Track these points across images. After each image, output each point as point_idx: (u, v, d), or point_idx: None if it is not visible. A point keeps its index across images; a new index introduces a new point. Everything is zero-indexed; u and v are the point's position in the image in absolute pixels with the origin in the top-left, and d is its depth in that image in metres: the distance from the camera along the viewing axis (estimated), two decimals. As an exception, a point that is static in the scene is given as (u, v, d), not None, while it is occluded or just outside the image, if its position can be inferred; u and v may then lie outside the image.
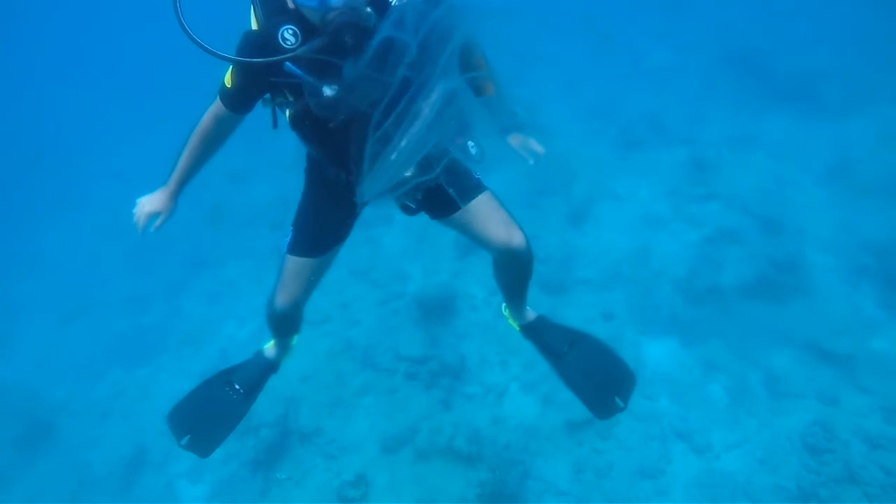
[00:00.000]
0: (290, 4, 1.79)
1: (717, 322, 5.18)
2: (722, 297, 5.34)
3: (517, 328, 2.81)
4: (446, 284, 6.06)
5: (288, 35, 1.75)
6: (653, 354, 5.11)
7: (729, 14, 11.04)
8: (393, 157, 1.75)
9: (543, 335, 2.76)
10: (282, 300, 2.40)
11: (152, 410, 6.16)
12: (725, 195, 6.59)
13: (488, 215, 2.28)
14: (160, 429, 6.06)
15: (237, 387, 2.71)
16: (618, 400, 2.65)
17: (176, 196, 2.29)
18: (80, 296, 8.17)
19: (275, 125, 2.08)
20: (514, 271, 2.49)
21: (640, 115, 8.41)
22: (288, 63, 1.76)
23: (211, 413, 2.72)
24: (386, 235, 7.31)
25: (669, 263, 5.82)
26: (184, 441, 2.66)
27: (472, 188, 2.28)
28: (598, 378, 2.70)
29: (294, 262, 2.32)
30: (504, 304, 2.80)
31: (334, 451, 4.81)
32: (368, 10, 1.72)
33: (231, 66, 1.92)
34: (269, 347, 2.79)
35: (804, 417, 4.34)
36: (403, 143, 1.74)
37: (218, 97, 2.01)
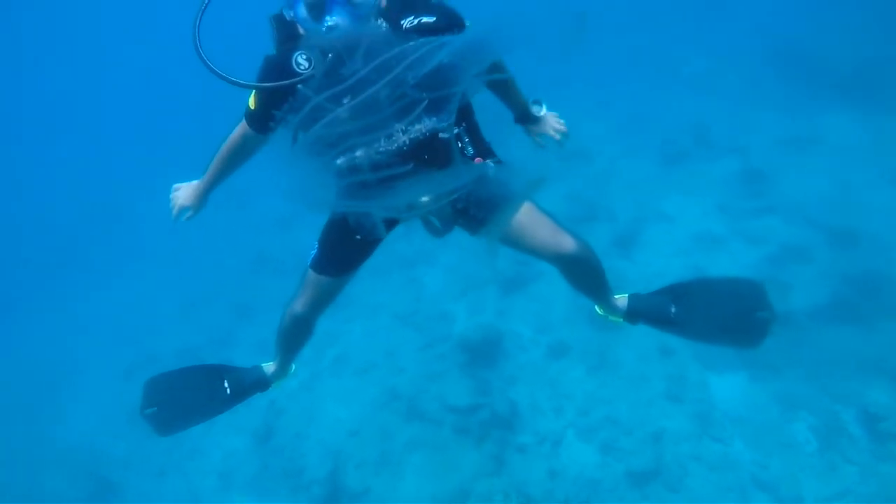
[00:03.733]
0: (301, 30, 1.88)
1: (791, 352, 4.71)
2: (794, 323, 4.86)
3: (620, 321, 2.63)
4: (491, 325, 5.82)
5: (301, 60, 1.84)
6: (721, 392, 4.69)
7: (767, 9, 10.49)
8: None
9: (646, 313, 2.56)
10: (299, 307, 2.49)
11: (204, 467, 6.15)
12: (786, 207, 6.10)
13: (532, 226, 2.22)
14: (214, 485, 6.11)
15: (226, 385, 2.73)
16: (759, 314, 2.41)
17: (206, 195, 2.52)
18: (136, 350, 8.34)
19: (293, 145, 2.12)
20: (580, 275, 2.38)
21: (682, 126, 8.00)
22: (300, 87, 1.81)
23: (189, 398, 2.74)
24: (427, 275, 7.15)
25: (730, 288, 5.38)
26: (149, 411, 2.68)
27: None
28: (724, 313, 2.49)
29: (315, 277, 2.41)
30: (595, 306, 2.65)
31: (384, 516, 4.61)
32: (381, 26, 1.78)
33: (255, 90, 2.04)
34: (269, 366, 2.84)
35: (920, 465, 3.79)
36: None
37: (244, 118, 2.15)
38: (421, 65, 1.67)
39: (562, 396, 5.02)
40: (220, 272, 9.09)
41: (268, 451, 5.85)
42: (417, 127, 1.76)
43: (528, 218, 2.21)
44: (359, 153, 1.74)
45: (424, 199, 1.90)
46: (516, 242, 2.25)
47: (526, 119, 2.50)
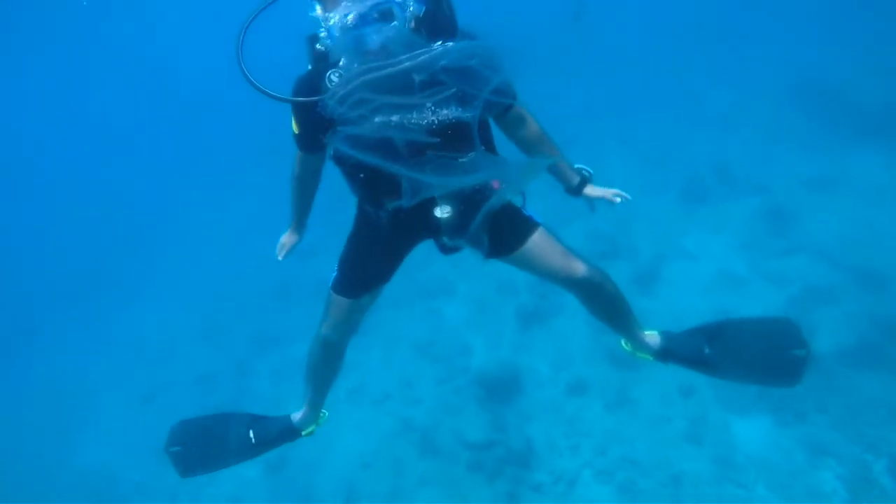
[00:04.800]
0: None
1: (818, 396, 4.58)
2: (820, 367, 4.73)
3: (649, 358, 2.62)
4: (509, 359, 5.78)
5: (334, 77, 1.91)
6: (744, 435, 4.56)
7: (791, 46, 10.49)
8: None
9: (679, 352, 2.56)
10: (326, 330, 2.53)
11: (217, 495, 6.13)
12: (810, 247, 6.01)
13: (544, 251, 2.29)
14: (224, 512, 6.07)
15: (251, 435, 2.75)
16: (795, 352, 2.42)
17: (298, 231, 2.80)
18: (155, 375, 8.40)
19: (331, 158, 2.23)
20: (598, 303, 2.42)
21: (704, 164, 7.97)
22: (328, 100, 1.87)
23: (213, 443, 2.77)
24: (447, 306, 7.15)
25: (753, 328, 5.27)
26: (172, 449, 2.75)
27: (523, 228, 2.31)
28: (759, 353, 2.49)
29: (336, 299, 2.46)
30: (622, 340, 2.64)
31: (394, 553, 4.53)
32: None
33: (293, 114, 2.16)
34: (297, 414, 2.82)
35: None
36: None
37: (295, 145, 2.30)
38: (447, 57, 1.79)
39: (579, 435, 4.94)
40: (242, 300, 9.17)
41: (281, 480, 5.82)
42: (444, 112, 1.87)
43: (542, 242, 2.30)
44: (394, 117, 1.85)
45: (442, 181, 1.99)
46: (530, 265, 2.33)
47: (579, 186, 2.50)
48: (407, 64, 1.77)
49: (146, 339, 9.24)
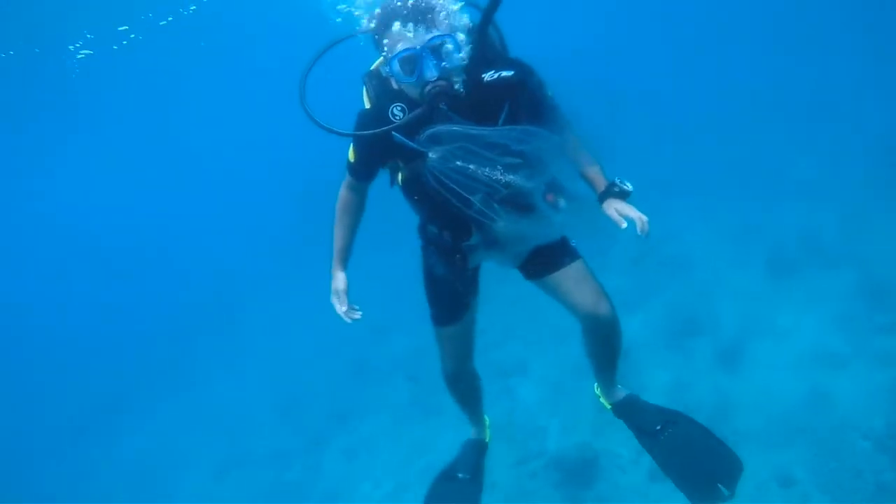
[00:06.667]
0: (395, 85, 2.13)
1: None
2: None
3: (609, 407, 2.84)
4: (587, 443, 5.52)
5: (397, 111, 2.08)
6: (861, 537, 4.04)
7: (878, 107, 9.96)
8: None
9: (635, 414, 2.74)
10: (447, 365, 2.76)
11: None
12: (921, 322, 5.47)
13: (578, 282, 2.44)
14: None
15: (461, 475, 2.99)
16: (721, 487, 2.50)
17: (341, 272, 2.57)
18: (232, 450, 8.57)
19: (392, 184, 2.39)
20: (601, 341, 2.58)
21: (791, 235, 7.56)
22: (395, 133, 2.05)
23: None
24: (522, 385, 7.02)
25: (858, 412, 4.77)
26: None
27: (565, 255, 2.48)
28: (696, 462, 2.60)
29: (439, 331, 2.66)
30: (595, 384, 2.87)
31: None
32: (459, 81, 2.03)
33: (352, 143, 2.29)
34: (471, 432, 3.15)
35: None
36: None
37: (347, 171, 2.40)
38: (520, 144, 2.05)
39: (667, 525, 4.56)
40: (318, 376, 9.38)
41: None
42: (511, 176, 2.05)
43: (577, 273, 2.45)
44: (471, 165, 2.04)
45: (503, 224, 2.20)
46: (560, 292, 2.48)
47: (600, 196, 2.24)
48: (479, 132, 2.01)
49: (225, 414, 9.54)
